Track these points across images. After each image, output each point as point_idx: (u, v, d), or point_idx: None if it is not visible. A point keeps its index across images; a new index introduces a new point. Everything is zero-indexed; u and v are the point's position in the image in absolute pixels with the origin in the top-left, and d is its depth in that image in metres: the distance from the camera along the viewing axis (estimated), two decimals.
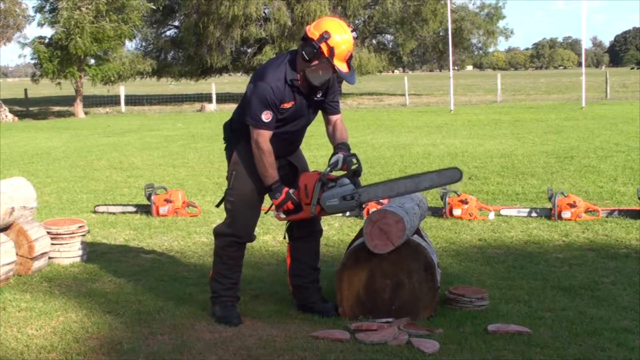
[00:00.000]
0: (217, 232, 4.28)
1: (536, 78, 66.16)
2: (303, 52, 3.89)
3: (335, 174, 4.10)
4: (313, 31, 3.90)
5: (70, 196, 8.98)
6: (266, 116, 3.95)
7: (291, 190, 4.09)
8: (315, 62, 3.90)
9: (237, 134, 4.18)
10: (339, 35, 3.87)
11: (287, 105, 4.01)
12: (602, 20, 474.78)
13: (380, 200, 7.12)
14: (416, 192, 4.13)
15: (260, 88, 3.94)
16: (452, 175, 4.12)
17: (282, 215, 4.19)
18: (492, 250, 5.86)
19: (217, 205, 4.44)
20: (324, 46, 3.85)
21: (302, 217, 4.16)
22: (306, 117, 4.17)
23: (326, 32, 3.85)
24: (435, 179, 4.12)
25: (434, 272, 4.13)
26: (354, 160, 4.08)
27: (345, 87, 42.11)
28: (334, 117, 4.24)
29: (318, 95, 4.11)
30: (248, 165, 4.11)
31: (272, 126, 3.99)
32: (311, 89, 4.05)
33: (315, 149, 12.48)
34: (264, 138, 3.98)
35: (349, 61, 3.95)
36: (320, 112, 4.26)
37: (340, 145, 4.15)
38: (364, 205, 4.08)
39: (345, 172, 4.06)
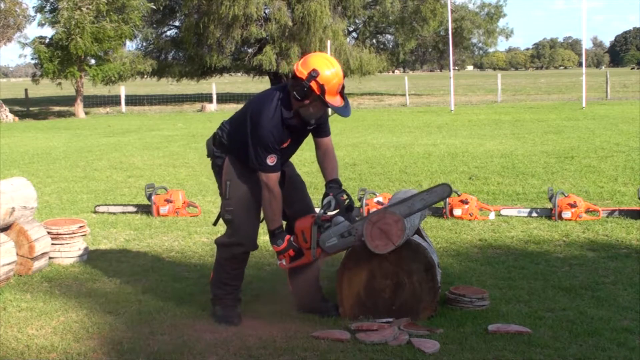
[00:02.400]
0: (220, 244, 4.28)
1: (536, 78, 66.14)
2: (294, 92, 3.89)
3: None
4: (301, 70, 3.88)
5: (71, 196, 8.98)
6: (271, 160, 3.96)
7: (292, 238, 4.13)
8: (308, 101, 3.90)
9: (224, 148, 4.19)
10: (328, 70, 3.86)
11: (285, 145, 4.04)
12: (602, 20, 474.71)
13: (379, 199, 7.14)
14: (411, 214, 4.13)
15: (261, 136, 3.93)
16: (441, 191, 4.15)
17: (285, 263, 4.20)
18: (492, 250, 5.86)
19: (214, 224, 4.46)
20: (313, 84, 3.84)
21: (305, 262, 4.19)
22: (300, 143, 4.22)
23: (314, 70, 3.83)
24: (426, 198, 4.14)
25: (434, 272, 4.13)
26: (345, 197, 4.12)
27: (345, 87, 42.08)
28: (323, 140, 4.23)
29: (312, 123, 4.12)
30: (242, 174, 4.11)
31: (279, 167, 4.03)
32: (306, 121, 4.06)
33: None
34: (273, 182, 4.00)
35: (342, 92, 3.96)
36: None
37: (330, 184, 4.16)
38: (363, 238, 4.09)
39: (340, 209, 4.10)
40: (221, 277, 4.26)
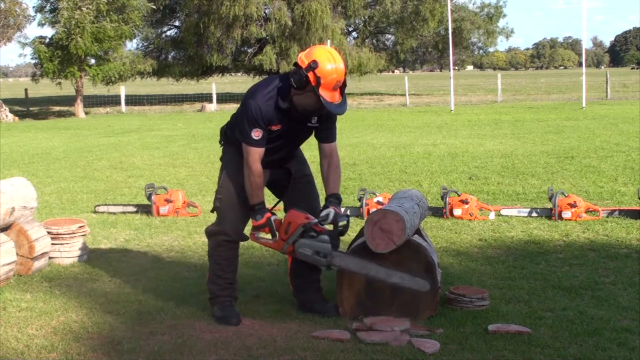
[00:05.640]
0: (208, 232, 4.34)
1: (536, 78, 66.15)
2: (292, 80, 3.92)
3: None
4: (303, 59, 3.92)
5: (71, 196, 8.98)
6: (256, 134, 3.98)
7: (273, 218, 4.11)
8: (304, 90, 3.91)
9: (230, 138, 4.23)
10: (329, 64, 3.87)
11: (274, 128, 4.04)
12: (602, 20, 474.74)
13: (379, 199, 7.14)
14: (383, 281, 4.08)
15: (249, 107, 3.98)
16: (421, 284, 4.05)
17: (256, 236, 4.19)
18: (492, 250, 5.86)
19: (212, 211, 4.47)
20: (311, 75, 3.85)
21: (273, 248, 4.20)
22: (298, 136, 4.19)
23: (314, 61, 3.86)
24: (406, 280, 4.05)
25: (434, 272, 4.13)
26: (344, 222, 4.12)
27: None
28: (327, 147, 4.22)
29: (313, 121, 4.12)
30: (237, 168, 4.12)
31: (263, 144, 4.02)
32: (304, 115, 4.06)
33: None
34: (254, 157, 4.01)
35: (342, 90, 3.96)
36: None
37: (331, 199, 4.16)
38: (332, 267, 4.09)
39: (332, 228, 4.10)
40: (213, 269, 4.29)
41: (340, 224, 4.13)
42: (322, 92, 3.88)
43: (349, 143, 14.34)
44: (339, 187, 4.25)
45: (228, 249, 4.26)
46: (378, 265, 4.05)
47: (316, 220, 4.07)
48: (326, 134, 4.21)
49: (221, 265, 4.27)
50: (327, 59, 3.89)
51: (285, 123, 4.05)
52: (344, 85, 3.97)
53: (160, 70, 37.74)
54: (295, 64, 3.95)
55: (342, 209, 4.16)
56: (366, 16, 37.89)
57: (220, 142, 4.35)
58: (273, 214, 4.13)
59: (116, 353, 3.71)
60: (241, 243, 4.38)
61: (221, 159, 4.30)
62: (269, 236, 4.19)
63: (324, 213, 4.10)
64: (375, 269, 4.05)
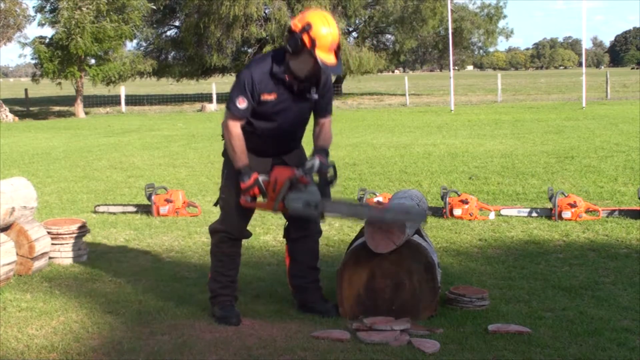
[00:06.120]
0: (211, 230, 4.33)
1: (536, 78, 66.14)
2: (287, 45, 3.92)
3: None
4: (297, 23, 3.92)
5: (71, 196, 8.98)
6: (240, 102, 3.96)
7: (261, 177, 4.04)
8: (299, 54, 3.90)
9: None
10: (322, 27, 3.87)
11: (268, 97, 3.99)
12: (602, 20, 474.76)
13: (379, 199, 7.14)
14: (381, 220, 4.07)
15: (241, 75, 3.99)
16: (417, 217, 4.07)
17: (248, 199, 4.12)
18: (492, 250, 5.86)
19: (215, 204, 4.46)
20: (305, 37, 3.85)
21: (266, 209, 4.14)
22: (296, 114, 4.12)
23: (308, 23, 3.86)
24: (400, 216, 4.07)
25: (434, 272, 4.13)
26: (331, 170, 4.07)
27: (345, 87, 42.18)
28: (322, 120, 4.21)
29: (313, 94, 4.08)
30: None
31: (245, 115, 3.99)
32: (302, 85, 4.03)
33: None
34: (233, 123, 4.00)
35: (337, 52, 3.94)
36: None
37: (319, 150, 4.13)
38: (325, 217, 4.06)
39: (319, 178, 4.05)
40: (215, 267, 4.29)
41: (328, 176, 4.06)
42: (319, 54, 3.86)
43: (349, 143, 14.34)
44: (328, 146, 4.21)
45: (230, 245, 4.26)
46: (370, 208, 4.04)
47: (302, 172, 4.00)
48: (323, 108, 4.19)
49: (223, 263, 4.27)
50: (320, 20, 3.89)
51: (281, 93, 4.01)
52: (338, 48, 3.96)
53: (160, 70, 37.75)
54: (289, 29, 3.95)
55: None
56: (366, 16, 37.89)
57: (222, 136, 4.33)
58: (260, 174, 4.07)
59: (116, 353, 3.71)
60: (241, 243, 4.37)
61: (223, 154, 4.27)
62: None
63: (309, 163, 4.04)
64: (369, 210, 4.04)
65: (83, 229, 5.72)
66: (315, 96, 4.10)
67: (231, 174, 4.15)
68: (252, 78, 3.95)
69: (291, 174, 4.01)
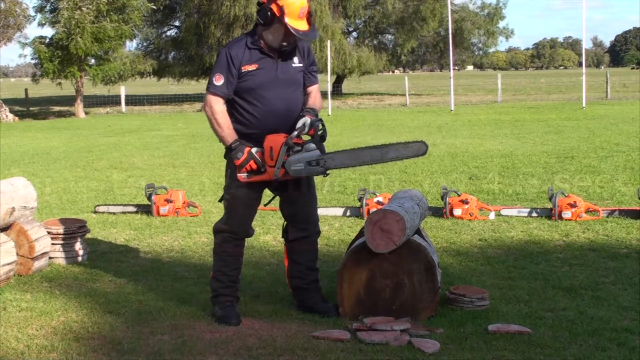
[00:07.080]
0: (215, 229, 4.33)
1: (536, 78, 66.12)
2: (258, 18, 4.00)
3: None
4: None
5: (71, 196, 8.98)
6: (217, 79, 4.03)
7: (254, 150, 4.04)
8: (270, 24, 3.97)
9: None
10: None
11: (249, 68, 4.04)
12: (602, 20, 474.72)
13: (379, 199, 7.15)
14: (382, 161, 4.16)
15: (219, 55, 4.08)
16: (417, 148, 4.12)
17: (244, 176, 4.10)
18: (492, 250, 5.86)
19: (220, 200, 4.46)
20: (274, 6, 3.94)
21: (266, 179, 4.11)
22: (284, 87, 4.12)
23: None
24: (401, 150, 4.12)
25: (434, 272, 4.13)
26: (320, 126, 4.07)
27: (345, 87, 42.15)
28: (311, 87, 4.29)
29: (295, 62, 4.14)
30: None
31: (224, 92, 4.04)
32: (282, 53, 4.08)
33: None
34: (214, 99, 4.03)
35: (309, 19, 4.00)
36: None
37: (307, 109, 4.17)
38: (328, 172, 4.06)
39: (312, 136, 4.05)
40: (218, 266, 4.29)
41: (319, 132, 4.06)
42: (289, 22, 3.93)
43: (349, 143, 14.33)
44: (318, 105, 4.27)
45: (234, 245, 4.27)
46: (370, 150, 4.08)
47: (295, 133, 4.02)
48: (309, 77, 4.26)
49: (226, 262, 4.27)
50: None
51: (262, 62, 4.06)
52: (309, 14, 4.01)
53: (161, 70, 37.73)
54: (258, 2, 4.04)
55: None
56: (366, 16, 37.89)
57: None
58: (252, 147, 4.05)
59: (116, 353, 3.71)
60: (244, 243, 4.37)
61: (225, 156, 4.27)
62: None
63: (300, 123, 4.05)
64: (370, 154, 4.08)
65: (83, 229, 5.72)
66: (300, 65, 4.15)
67: (235, 173, 4.15)
68: (228, 54, 4.03)
69: (284, 138, 4.02)
